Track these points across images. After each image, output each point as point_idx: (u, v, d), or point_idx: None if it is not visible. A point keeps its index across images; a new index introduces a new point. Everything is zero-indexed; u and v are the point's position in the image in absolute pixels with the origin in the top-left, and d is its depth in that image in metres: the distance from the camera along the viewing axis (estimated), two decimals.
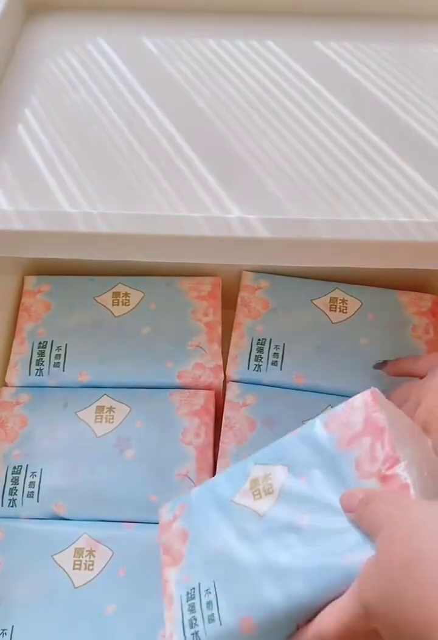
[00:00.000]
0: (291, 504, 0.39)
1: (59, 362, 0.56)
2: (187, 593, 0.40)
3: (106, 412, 0.54)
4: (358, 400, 0.40)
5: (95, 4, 0.66)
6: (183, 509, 0.44)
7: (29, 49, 0.62)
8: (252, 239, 0.47)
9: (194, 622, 0.39)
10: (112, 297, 0.60)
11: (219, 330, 0.58)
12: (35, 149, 0.53)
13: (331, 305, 0.59)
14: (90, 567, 0.47)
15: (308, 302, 0.60)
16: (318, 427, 0.41)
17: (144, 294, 0.60)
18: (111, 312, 0.59)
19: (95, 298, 0.60)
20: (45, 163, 0.52)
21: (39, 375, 0.56)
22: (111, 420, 0.54)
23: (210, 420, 0.54)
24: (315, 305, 0.60)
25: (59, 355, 0.57)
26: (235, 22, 0.65)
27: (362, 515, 0.36)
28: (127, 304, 0.60)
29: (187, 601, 0.40)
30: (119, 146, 0.53)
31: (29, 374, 0.56)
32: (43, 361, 0.56)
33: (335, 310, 0.59)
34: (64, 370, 0.56)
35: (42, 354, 0.57)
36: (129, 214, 0.48)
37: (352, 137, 0.54)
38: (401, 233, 0.47)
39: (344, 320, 0.59)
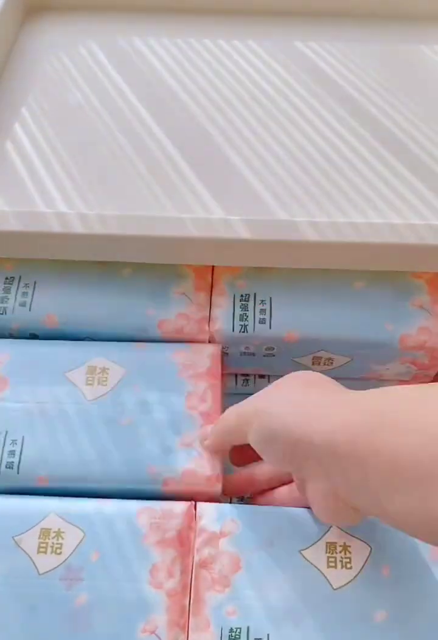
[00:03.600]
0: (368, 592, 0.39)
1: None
2: (230, 630, 0.38)
3: (99, 374, 0.47)
4: None
5: (94, 5, 0.66)
6: (236, 527, 0.41)
7: (28, 49, 0.62)
8: (235, 240, 0.46)
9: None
10: None
11: (209, 278, 0.52)
12: (32, 148, 0.53)
13: None
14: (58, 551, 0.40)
15: None
16: None
17: None
18: None
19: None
20: (41, 163, 0.52)
21: (3, 314, 0.50)
22: (105, 383, 0.47)
23: (216, 381, 0.47)
24: None
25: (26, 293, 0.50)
26: (233, 23, 0.65)
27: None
28: None
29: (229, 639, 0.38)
30: (114, 147, 0.53)
31: None
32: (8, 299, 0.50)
33: None
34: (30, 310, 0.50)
35: (7, 291, 0.51)
36: (123, 215, 0.47)
37: (340, 139, 0.54)
38: (386, 235, 0.46)
39: None
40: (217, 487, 0.43)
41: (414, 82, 0.59)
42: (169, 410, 0.45)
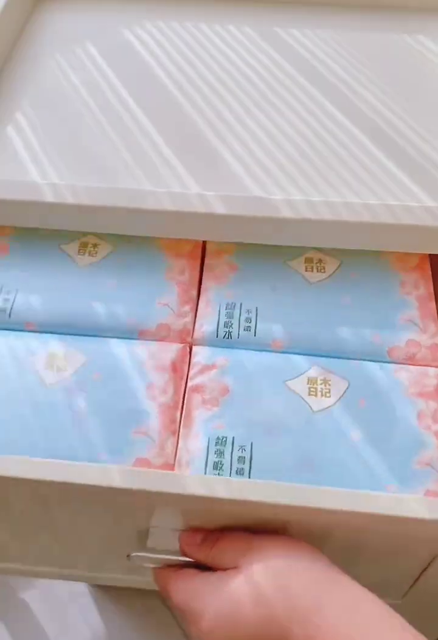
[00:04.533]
0: (345, 416, 0.43)
1: None
2: (217, 438, 0.42)
3: (90, 247, 0.52)
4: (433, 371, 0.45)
5: None
6: (227, 361, 0.45)
7: (37, 36, 0.65)
8: (211, 215, 0.48)
9: (219, 466, 0.41)
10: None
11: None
12: (29, 130, 0.56)
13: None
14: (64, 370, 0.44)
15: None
16: (387, 368, 0.45)
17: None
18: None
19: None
20: (39, 145, 0.55)
21: None
22: (94, 254, 0.51)
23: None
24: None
25: None
26: (238, 8, 0.69)
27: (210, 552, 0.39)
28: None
29: (215, 445, 0.42)
30: (111, 132, 0.55)
31: None
32: None
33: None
34: None
35: None
36: (105, 188, 0.49)
37: (317, 121, 0.56)
38: (362, 214, 0.48)
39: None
40: None
41: (394, 70, 0.63)
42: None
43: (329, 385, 0.44)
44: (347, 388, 0.44)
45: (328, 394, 0.44)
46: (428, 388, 0.44)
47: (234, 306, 0.48)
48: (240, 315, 0.48)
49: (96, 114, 0.58)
